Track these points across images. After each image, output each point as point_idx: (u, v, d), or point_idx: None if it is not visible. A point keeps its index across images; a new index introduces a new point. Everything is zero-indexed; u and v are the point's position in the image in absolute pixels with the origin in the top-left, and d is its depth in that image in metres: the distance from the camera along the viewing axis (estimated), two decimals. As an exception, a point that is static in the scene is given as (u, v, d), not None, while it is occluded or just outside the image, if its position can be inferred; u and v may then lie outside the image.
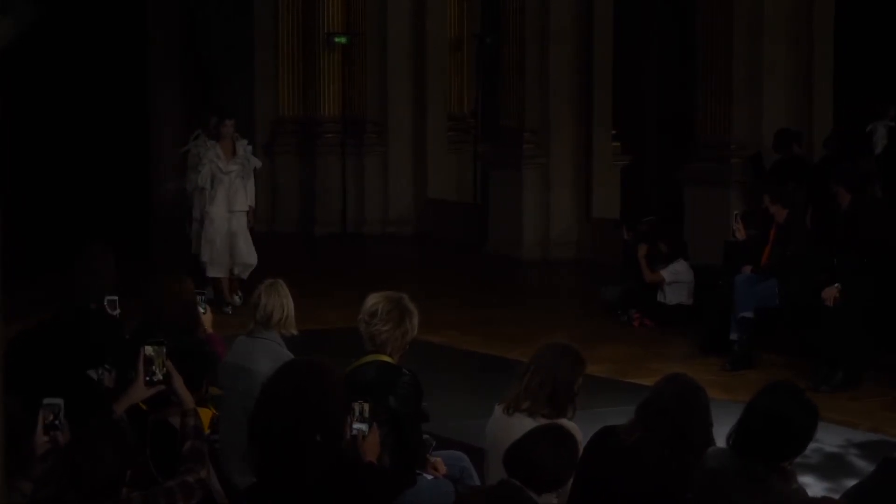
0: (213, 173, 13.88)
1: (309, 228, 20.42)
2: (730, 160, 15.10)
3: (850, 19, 16.17)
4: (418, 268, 17.77)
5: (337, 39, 20.19)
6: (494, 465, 6.30)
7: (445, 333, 12.55)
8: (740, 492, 5.10)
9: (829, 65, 15.36)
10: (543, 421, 6.17)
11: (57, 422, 5.33)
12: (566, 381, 6.44)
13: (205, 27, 21.91)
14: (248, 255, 13.91)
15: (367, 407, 5.78)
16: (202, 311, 8.01)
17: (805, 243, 11.84)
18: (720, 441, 5.38)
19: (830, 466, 8.70)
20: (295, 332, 7.56)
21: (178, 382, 5.70)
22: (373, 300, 6.73)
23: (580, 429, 6.09)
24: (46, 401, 5.38)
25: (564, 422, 6.15)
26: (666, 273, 13.42)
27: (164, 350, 5.69)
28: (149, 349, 5.69)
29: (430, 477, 6.69)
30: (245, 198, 13.97)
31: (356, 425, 5.71)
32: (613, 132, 18.21)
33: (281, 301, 7.50)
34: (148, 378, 5.69)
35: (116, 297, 7.86)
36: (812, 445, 5.46)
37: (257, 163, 14.48)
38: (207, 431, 6.63)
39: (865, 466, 8.30)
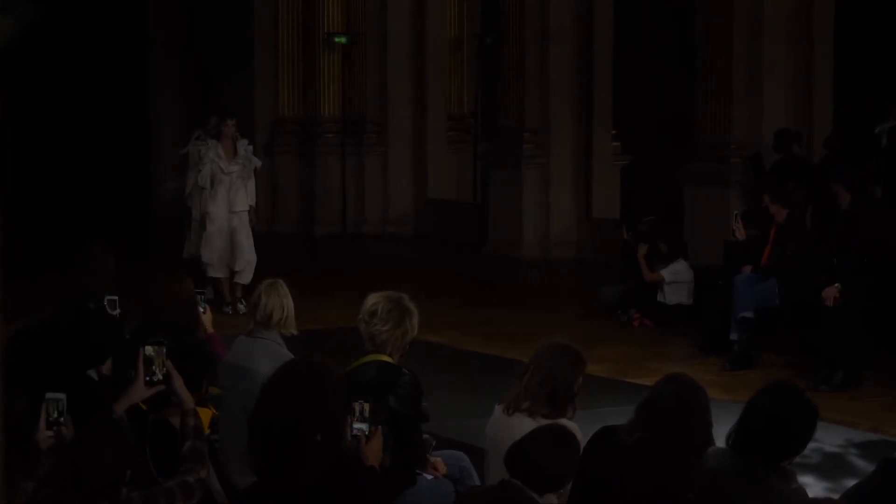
0: (213, 173, 13.89)
1: (309, 228, 20.41)
2: (730, 160, 15.08)
3: (850, 19, 16.14)
4: (418, 268, 17.76)
5: (337, 39, 20.18)
6: (494, 465, 6.30)
7: (445, 333, 12.54)
8: (740, 492, 5.10)
9: (829, 65, 15.35)
10: (543, 421, 6.16)
11: (60, 417, 5.34)
12: (566, 380, 6.43)
13: (205, 27, 21.91)
14: (249, 252, 13.91)
15: (367, 407, 5.78)
16: (202, 311, 8.02)
17: (805, 243, 11.83)
18: (720, 441, 5.37)
19: (830, 466, 8.69)
20: (295, 332, 7.56)
21: (178, 382, 5.71)
22: (373, 300, 6.73)
23: (580, 429, 6.08)
24: (49, 395, 5.39)
25: (565, 422, 6.15)
26: (666, 273, 13.41)
27: (164, 350, 5.70)
28: (149, 349, 5.70)
29: (430, 477, 6.70)
30: (246, 198, 13.99)
31: (356, 425, 5.71)
32: (613, 132, 18.20)
33: (281, 301, 7.50)
34: (148, 378, 5.70)
35: (116, 297, 7.88)
36: (812, 445, 5.46)
37: (258, 163, 14.48)
38: (207, 431, 6.63)
39: (865, 466, 8.30)
